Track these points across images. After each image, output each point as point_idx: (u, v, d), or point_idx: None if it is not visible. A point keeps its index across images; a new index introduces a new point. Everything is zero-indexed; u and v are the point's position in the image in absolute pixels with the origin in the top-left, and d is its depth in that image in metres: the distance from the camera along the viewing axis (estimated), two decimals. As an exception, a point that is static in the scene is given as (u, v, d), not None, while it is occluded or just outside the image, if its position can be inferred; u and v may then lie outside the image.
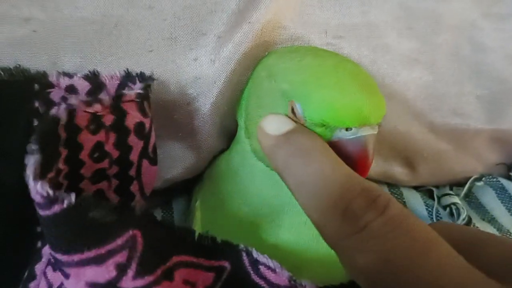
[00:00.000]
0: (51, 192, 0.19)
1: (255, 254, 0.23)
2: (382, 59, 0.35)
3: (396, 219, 0.18)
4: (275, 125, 0.24)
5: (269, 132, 0.24)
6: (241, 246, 0.23)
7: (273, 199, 0.30)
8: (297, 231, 0.30)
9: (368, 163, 0.24)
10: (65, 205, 0.19)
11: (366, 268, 0.18)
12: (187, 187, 0.38)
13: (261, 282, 0.23)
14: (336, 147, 0.24)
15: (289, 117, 0.25)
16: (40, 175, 0.20)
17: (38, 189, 0.19)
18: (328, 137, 0.24)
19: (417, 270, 0.17)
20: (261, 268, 0.23)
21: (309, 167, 0.22)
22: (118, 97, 0.26)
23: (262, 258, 0.23)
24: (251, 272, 0.23)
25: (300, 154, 0.22)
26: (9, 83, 0.27)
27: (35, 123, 0.27)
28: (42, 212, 0.20)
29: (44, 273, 0.26)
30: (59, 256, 0.21)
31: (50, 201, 0.19)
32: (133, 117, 0.27)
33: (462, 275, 0.17)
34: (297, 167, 0.22)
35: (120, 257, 0.21)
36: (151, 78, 0.28)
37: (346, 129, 0.24)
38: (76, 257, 0.20)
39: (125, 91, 0.27)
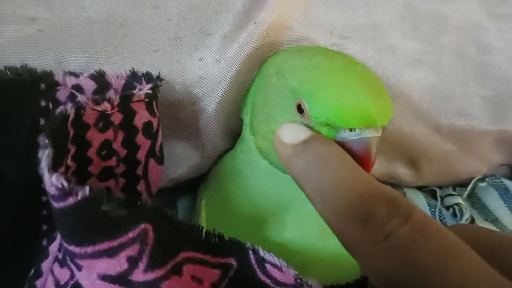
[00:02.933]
0: (66, 184, 0.19)
1: (261, 252, 0.23)
2: (387, 59, 0.35)
3: (421, 226, 0.18)
4: (291, 133, 0.24)
5: (286, 141, 0.24)
6: (248, 244, 0.24)
7: (277, 198, 0.30)
8: (302, 230, 0.30)
9: (370, 165, 0.24)
10: (79, 198, 0.19)
11: (391, 276, 0.18)
12: (192, 186, 0.38)
13: (267, 281, 0.23)
14: None
15: (296, 116, 0.25)
16: (53, 168, 0.20)
17: (53, 181, 0.19)
18: (332, 137, 0.24)
19: (445, 278, 0.17)
20: (268, 266, 0.23)
21: (329, 175, 0.21)
22: (127, 97, 0.26)
23: (268, 256, 0.23)
24: (257, 270, 0.23)
25: (318, 162, 0.22)
26: (15, 82, 0.28)
27: (41, 122, 0.27)
28: (56, 205, 0.20)
29: (51, 270, 0.26)
30: (72, 248, 0.21)
31: (64, 193, 0.19)
32: (142, 116, 0.27)
33: (490, 282, 0.17)
34: (316, 176, 0.22)
35: (132, 250, 0.21)
36: (159, 78, 0.29)
37: (350, 130, 0.24)
38: (89, 249, 0.20)
39: (135, 91, 0.27)
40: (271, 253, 0.23)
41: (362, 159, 0.24)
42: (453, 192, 0.42)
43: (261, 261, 0.23)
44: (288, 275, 0.23)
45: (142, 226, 0.21)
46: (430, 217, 0.19)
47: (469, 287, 0.16)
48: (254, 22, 0.30)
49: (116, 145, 0.27)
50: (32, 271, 0.27)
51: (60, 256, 0.26)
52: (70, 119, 0.23)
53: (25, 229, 0.28)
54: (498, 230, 0.39)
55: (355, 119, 0.23)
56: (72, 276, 0.25)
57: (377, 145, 0.24)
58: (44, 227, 0.28)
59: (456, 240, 0.18)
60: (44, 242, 0.28)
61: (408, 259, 0.17)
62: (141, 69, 0.29)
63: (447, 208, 0.41)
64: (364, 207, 0.19)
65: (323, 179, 0.21)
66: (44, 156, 0.20)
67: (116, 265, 0.21)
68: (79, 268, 0.21)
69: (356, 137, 0.24)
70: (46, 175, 0.20)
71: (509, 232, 0.39)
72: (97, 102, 0.25)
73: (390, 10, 0.34)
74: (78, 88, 0.28)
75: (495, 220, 0.41)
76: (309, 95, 0.24)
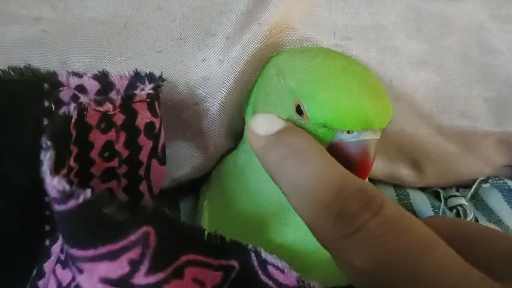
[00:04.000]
0: (67, 187, 0.19)
1: (263, 254, 0.23)
2: (390, 60, 0.35)
3: (392, 219, 0.18)
4: (264, 124, 0.24)
5: (259, 132, 0.24)
6: (250, 246, 0.23)
7: (279, 198, 0.30)
8: (304, 231, 0.30)
9: (367, 167, 0.24)
10: (81, 200, 0.19)
11: (362, 269, 0.18)
12: (194, 186, 0.38)
13: (270, 282, 0.23)
14: (336, 148, 0.24)
15: (294, 117, 0.25)
16: (55, 170, 0.20)
17: (54, 184, 0.19)
18: (330, 138, 0.24)
19: (415, 271, 0.17)
20: (270, 268, 0.23)
21: (302, 168, 0.21)
22: (129, 97, 0.26)
23: (270, 258, 0.23)
24: (260, 272, 0.23)
25: (292, 155, 0.22)
26: (19, 83, 0.28)
27: (45, 122, 0.27)
28: (58, 207, 0.20)
29: (54, 271, 0.26)
30: (73, 251, 0.21)
31: (66, 196, 0.19)
32: (144, 117, 0.27)
33: (462, 275, 0.17)
34: (290, 168, 0.21)
35: (133, 253, 0.21)
36: (161, 79, 0.29)
37: (348, 132, 0.24)
38: (90, 253, 0.20)
39: (136, 92, 0.27)
40: (274, 255, 0.23)
41: (359, 161, 0.24)
42: (457, 193, 0.42)
43: (263, 263, 0.23)
44: (290, 277, 0.23)
45: (144, 229, 0.21)
46: (402, 210, 0.19)
47: (440, 280, 0.16)
48: (258, 23, 0.30)
49: (119, 146, 0.27)
50: (35, 271, 0.27)
51: (62, 257, 0.26)
52: (73, 120, 0.24)
53: (27, 229, 0.28)
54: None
55: (352, 121, 0.23)
56: (74, 277, 0.25)
57: (376, 148, 0.24)
58: (47, 228, 0.28)
59: (427, 233, 0.18)
60: (47, 243, 0.28)
61: (378, 252, 0.18)
62: (145, 69, 0.29)
63: (451, 209, 0.41)
64: (337, 200, 0.19)
65: (296, 172, 0.21)
66: (46, 158, 0.20)
67: (117, 268, 0.21)
68: (80, 271, 0.21)
69: (353, 139, 0.24)
70: (47, 178, 0.20)
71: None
72: (99, 103, 0.25)
73: (394, 11, 0.34)
74: (81, 88, 0.28)
75: (498, 221, 0.41)
76: (307, 96, 0.24)
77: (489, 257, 0.18)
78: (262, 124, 0.24)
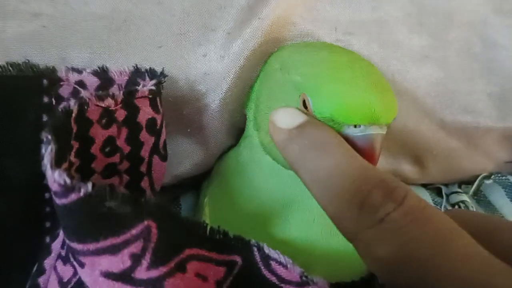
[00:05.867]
0: (68, 180, 0.19)
1: (266, 249, 0.23)
2: (392, 55, 0.34)
3: (415, 210, 0.18)
4: (286, 118, 0.24)
5: (281, 125, 0.24)
6: (253, 241, 0.23)
7: (281, 194, 0.30)
8: (306, 227, 0.30)
9: (374, 162, 0.24)
10: (82, 194, 0.19)
11: (386, 259, 0.18)
12: (195, 183, 0.38)
13: (272, 278, 0.23)
14: None
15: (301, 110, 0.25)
16: (56, 164, 0.20)
17: (55, 178, 0.19)
18: None
19: (438, 260, 0.17)
20: (273, 263, 0.23)
21: (324, 160, 0.21)
22: (131, 93, 0.26)
23: (273, 253, 0.23)
24: (262, 267, 0.23)
25: (314, 147, 0.22)
26: (18, 79, 0.27)
27: (44, 118, 0.27)
28: (58, 201, 0.20)
29: (54, 267, 0.26)
30: (74, 245, 0.21)
31: (67, 190, 0.19)
32: (146, 113, 0.27)
33: (484, 265, 0.17)
34: (312, 161, 0.22)
35: (135, 247, 0.21)
36: (163, 75, 0.28)
37: (355, 126, 0.24)
38: (91, 246, 0.20)
39: (138, 87, 0.27)
40: (276, 250, 0.23)
41: (365, 156, 0.23)
42: (459, 190, 0.42)
43: (266, 258, 0.23)
44: (293, 272, 0.22)
45: (146, 223, 0.21)
46: (424, 201, 0.19)
47: (463, 270, 0.16)
48: (258, 18, 0.30)
49: (120, 142, 0.26)
50: (35, 268, 0.27)
51: (63, 253, 0.26)
52: (74, 115, 0.23)
53: (28, 226, 0.28)
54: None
55: (359, 116, 0.23)
56: (75, 273, 0.25)
57: (382, 143, 0.24)
58: (47, 224, 0.28)
59: (450, 223, 0.18)
60: (47, 239, 0.28)
61: (402, 242, 0.18)
62: (145, 65, 0.29)
63: (453, 205, 0.41)
64: (359, 191, 0.19)
65: (319, 164, 0.21)
66: (47, 152, 0.20)
67: (119, 262, 0.21)
68: (82, 265, 0.21)
69: (360, 134, 0.24)
70: (48, 171, 0.20)
71: None
72: (100, 98, 0.25)
73: (396, 5, 0.34)
74: (81, 84, 0.28)
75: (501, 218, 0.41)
76: (313, 90, 0.24)
77: (508, 249, 0.19)
78: (283, 118, 0.24)
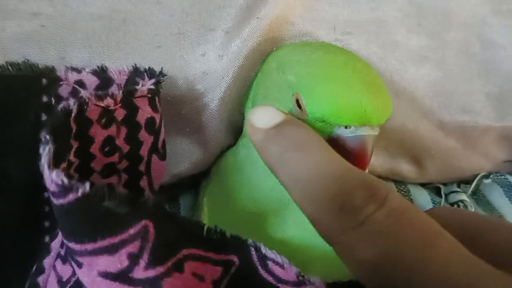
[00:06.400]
0: (66, 180, 0.19)
1: (263, 249, 0.23)
2: (391, 55, 0.34)
3: (397, 211, 0.18)
4: (264, 117, 0.23)
5: (259, 125, 0.23)
6: (250, 241, 0.23)
7: (278, 194, 0.30)
8: (303, 226, 0.30)
9: (365, 162, 0.24)
10: (79, 194, 0.19)
11: (368, 262, 0.18)
12: (194, 182, 0.38)
13: (269, 278, 0.23)
14: (334, 143, 0.24)
15: (294, 110, 0.25)
16: (54, 164, 0.20)
17: (53, 178, 0.19)
18: (328, 132, 0.24)
19: (422, 262, 0.17)
20: (269, 263, 0.23)
21: (303, 161, 0.21)
22: (130, 92, 0.26)
23: (270, 253, 0.23)
24: (259, 267, 0.23)
25: (292, 147, 0.21)
26: (17, 78, 0.28)
27: (43, 117, 0.27)
28: (56, 201, 0.20)
29: (54, 267, 0.26)
30: (72, 245, 0.21)
31: (65, 190, 0.19)
32: (145, 112, 0.27)
33: (469, 267, 0.16)
34: (290, 162, 0.21)
35: (133, 247, 0.21)
36: (162, 74, 0.28)
37: (346, 127, 0.24)
38: (89, 246, 0.20)
39: (137, 87, 0.27)
40: (273, 250, 0.23)
41: (357, 156, 0.23)
42: (458, 189, 0.42)
43: (263, 258, 0.23)
44: (290, 272, 0.22)
45: (143, 222, 0.21)
46: (406, 202, 0.18)
47: (447, 272, 0.16)
48: (257, 17, 0.30)
49: (119, 141, 0.27)
50: (34, 267, 0.27)
51: (62, 252, 0.26)
52: (73, 114, 0.23)
53: (27, 226, 0.28)
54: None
55: (349, 117, 0.23)
56: (75, 272, 0.25)
57: (374, 143, 0.24)
58: (47, 224, 0.28)
59: (433, 225, 0.18)
60: (46, 239, 0.28)
61: (384, 244, 0.17)
62: (144, 64, 0.29)
63: (452, 205, 0.41)
64: (340, 193, 0.19)
65: (298, 165, 0.21)
66: (45, 152, 0.20)
67: (116, 262, 0.21)
68: (80, 265, 0.21)
69: (350, 135, 0.24)
70: (46, 172, 0.20)
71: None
72: (100, 98, 0.25)
73: (395, 5, 0.34)
74: (80, 83, 0.28)
75: (499, 217, 0.41)
76: (306, 90, 0.24)
77: (494, 247, 0.18)
78: (261, 117, 0.23)
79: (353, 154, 0.23)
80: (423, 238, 0.17)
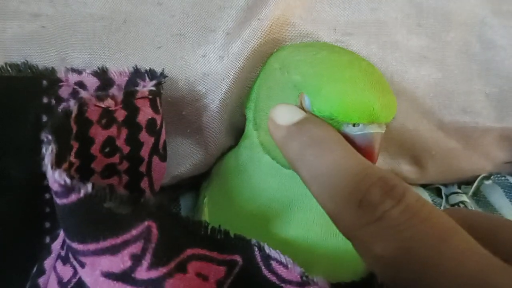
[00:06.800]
0: (68, 180, 0.19)
1: (267, 249, 0.23)
2: (391, 56, 0.34)
3: (414, 208, 0.18)
4: (286, 115, 0.24)
5: (280, 122, 0.24)
6: (253, 241, 0.23)
7: (281, 194, 0.30)
8: (306, 227, 0.30)
9: (373, 160, 0.24)
10: (82, 194, 0.19)
11: (384, 257, 0.18)
12: (194, 183, 0.38)
13: (273, 278, 0.23)
14: None
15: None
16: (56, 165, 0.20)
17: (56, 178, 0.19)
18: None
19: (436, 258, 0.17)
20: (273, 263, 0.23)
21: (323, 157, 0.21)
22: (131, 94, 0.26)
23: (274, 253, 0.23)
24: (263, 267, 0.23)
25: (313, 144, 0.22)
26: (17, 79, 0.28)
27: (44, 119, 0.27)
28: (59, 201, 0.20)
29: (54, 268, 0.26)
30: (75, 245, 0.21)
31: (67, 190, 0.19)
32: (145, 113, 0.27)
33: (482, 263, 0.17)
34: (311, 158, 0.22)
35: (135, 248, 0.21)
36: (163, 75, 0.29)
37: (354, 125, 0.24)
38: (92, 246, 0.20)
39: (138, 88, 0.27)
40: (277, 250, 0.23)
41: (365, 154, 0.23)
42: (458, 190, 0.42)
43: (267, 258, 0.23)
44: (293, 272, 0.22)
45: (146, 223, 0.21)
46: (423, 199, 0.19)
47: (461, 268, 0.16)
48: (258, 19, 0.30)
49: (120, 142, 0.26)
50: (35, 268, 0.27)
51: (63, 253, 0.26)
52: (73, 115, 0.23)
53: (27, 226, 0.28)
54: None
55: (358, 114, 0.23)
56: (75, 273, 0.25)
57: (381, 142, 0.24)
58: (47, 225, 0.28)
59: (449, 222, 0.18)
60: (47, 240, 0.28)
61: (401, 240, 0.18)
62: (144, 65, 0.29)
63: (452, 206, 0.41)
64: (358, 188, 0.19)
65: (317, 161, 0.21)
66: (48, 152, 0.20)
67: (119, 262, 0.21)
68: (82, 265, 0.21)
69: (359, 132, 0.24)
70: (49, 172, 0.20)
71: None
72: (100, 99, 0.25)
73: (395, 6, 0.34)
74: (80, 84, 0.28)
75: (500, 218, 0.41)
76: (312, 89, 0.24)
77: (507, 246, 0.19)
78: (283, 115, 0.24)
79: (361, 152, 0.23)
80: (438, 235, 0.17)
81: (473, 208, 0.40)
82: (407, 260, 0.17)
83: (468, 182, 0.43)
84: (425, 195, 0.42)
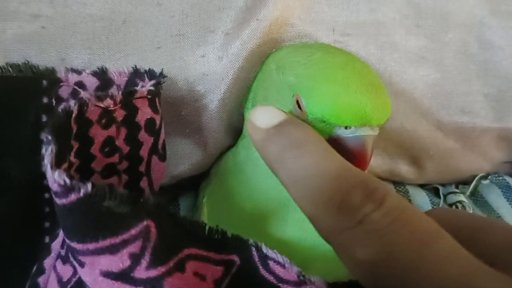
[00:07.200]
0: (68, 180, 0.19)
1: (264, 249, 0.23)
2: (390, 56, 0.35)
3: (395, 211, 0.18)
4: (265, 117, 0.23)
5: (259, 125, 0.23)
6: (251, 241, 0.23)
7: (278, 194, 0.30)
8: (303, 227, 0.30)
9: (365, 163, 0.24)
10: (81, 194, 0.19)
11: (365, 262, 0.17)
12: (194, 183, 0.38)
13: (270, 277, 0.23)
14: (334, 143, 0.24)
15: (294, 111, 0.25)
16: (56, 165, 0.20)
17: (55, 178, 0.19)
18: (328, 133, 0.24)
19: (418, 262, 0.16)
20: (270, 263, 0.23)
21: (303, 160, 0.20)
22: (130, 93, 0.26)
23: (271, 253, 0.23)
24: (260, 267, 0.23)
25: (292, 146, 0.21)
26: (17, 79, 0.28)
27: (44, 118, 0.28)
28: (58, 201, 0.20)
29: (54, 267, 0.26)
30: (74, 244, 0.21)
31: (67, 190, 0.19)
32: (144, 113, 0.27)
33: (466, 266, 0.16)
34: (290, 161, 0.21)
35: (134, 247, 0.21)
36: (162, 75, 0.29)
37: (346, 127, 0.24)
38: (91, 246, 0.20)
39: (137, 88, 0.27)
40: (274, 250, 0.23)
41: (357, 157, 0.24)
42: (456, 190, 0.42)
43: (264, 258, 0.23)
44: (291, 272, 0.22)
45: (145, 223, 0.21)
46: (405, 202, 0.18)
47: (444, 272, 0.16)
48: (257, 19, 0.30)
49: (119, 142, 0.27)
50: (35, 268, 0.27)
51: (62, 253, 0.26)
52: (73, 115, 0.24)
53: (27, 226, 0.28)
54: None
55: (349, 117, 0.23)
56: (75, 273, 0.25)
57: (373, 144, 0.24)
58: (47, 224, 0.28)
59: (431, 225, 0.18)
60: (47, 239, 0.28)
61: (382, 244, 0.17)
62: (144, 66, 0.29)
63: (450, 205, 0.41)
64: (338, 192, 0.19)
65: (297, 164, 0.21)
66: (47, 152, 0.20)
67: (118, 261, 0.21)
68: (82, 264, 0.21)
69: (351, 135, 0.24)
70: (49, 172, 0.20)
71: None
72: (99, 99, 0.25)
73: (393, 7, 0.34)
74: (80, 85, 0.28)
75: (498, 218, 0.41)
76: (306, 91, 0.24)
77: (492, 248, 0.18)
78: (262, 116, 0.23)
79: (353, 155, 0.23)
80: (420, 238, 0.17)
81: (471, 208, 0.40)
82: (388, 265, 0.17)
83: (466, 182, 0.44)
84: (423, 195, 0.42)
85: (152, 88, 0.27)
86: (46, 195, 0.28)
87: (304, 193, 0.20)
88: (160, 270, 0.21)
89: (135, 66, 0.29)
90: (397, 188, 0.42)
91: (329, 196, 0.19)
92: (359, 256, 0.18)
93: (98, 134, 0.25)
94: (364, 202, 0.18)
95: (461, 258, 0.17)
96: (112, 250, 0.20)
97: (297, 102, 0.25)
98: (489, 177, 0.43)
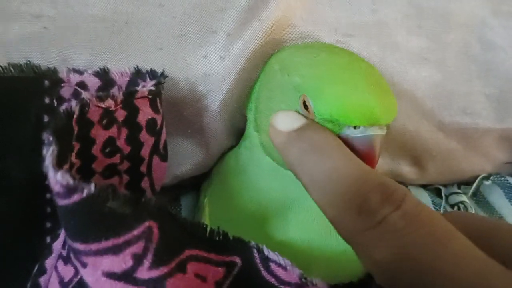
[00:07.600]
0: (71, 181, 0.19)
1: (266, 251, 0.23)
2: (391, 57, 0.35)
3: (413, 213, 0.18)
4: (286, 121, 0.24)
5: (281, 128, 0.24)
6: (252, 243, 0.23)
7: (281, 195, 0.30)
8: (305, 228, 0.30)
9: (373, 162, 0.24)
10: (84, 195, 0.20)
11: (384, 262, 0.18)
12: (195, 183, 0.38)
13: (272, 279, 0.23)
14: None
15: (300, 112, 0.25)
16: (57, 165, 0.20)
17: (58, 179, 0.19)
18: (336, 133, 0.24)
19: (435, 263, 0.17)
20: (272, 265, 0.23)
21: (323, 163, 0.21)
22: (130, 94, 0.26)
23: (273, 255, 0.23)
24: (262, 269, 0.23)
25: (313, 150, 0.22)
26: (19, 79, 0.28)
27: (45, 119, 0.27)
28: (61, 202, 0.20)
29: (55, 268, 0.26)
30: (77, 245, 0.21)
31: (69, 191, 0.20)
32: (145, 113, 0.27)
33: (481, 266, 0.17)
34: (311, 164, 0.22)
35: (137, 248, 0.21)
36: (163, 75, 0.29)
37: (354, 127, 0.24)
38: (93, 246, 0.20)
39: (138, 88, 0.27)
40: (276, 252, 0.23)
41: (365, 156, 0.23)
42: (458, 190, 0.42)
43: (266, 260, 0.23)
44: (292, 274, 0.23)
45: (147, 223, 0.21)
46: (422, 204, 0.19)
47: (460, 272, 0.17)
48: (259, 20, 0.30)
49: (120, 142, 0.27)
50: (36, 268, 0.27)
51: (64, 253, 0.26)
52: (75, 116, 0.23)
53: (28, 226, 0.28)
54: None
55: (358, 117, 0.23)
56: (76, 273, 0.25)
57: (381, 144, 0.24)
58: (48, 225, 0.28)
59: (447, 226, 0.18)
60: (48, 240, 0.28)
61: (400, 244, 0.18)
62: (146, 66, 0.29)
63: (452, 206, 0.41)
64: (358, 194, 0.20)
65: (318, 167, 0.22)
66: (49, 153, 0.20)
67: (120, 262, 0.21)
68: (84, 265, 0.21)
69: (359, 135, 0.24)
70: (51, 173, 0.20)
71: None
72: (100, 99, 0.25)
73: (395, 7, 0.34)
74: (82, 85, 0.28)
75: (500, 219, 0.41)
76: (313, 91, 0.24)
77: (506, 250, 0.19)
78: (283, 121, 0.24)
79: (362, 154, 0.23)
80: (437, 239, 0.18)
81: (473, 209, 0.40)
82: (406, 264, 0.18)
83: (468, 183, 0.43)
84: (425, 196, 0.42)
85: (153, 88, 0.27)
86: (47, 195, 0.28)
87: (324, 196, 0.21)
88: (162, 270, 0.21)
89: (137, 67, 0.29)
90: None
91: (349, 198, 0.20)
92: (378, 256, 0.18)
93: (99, 135, 0.25)
94: (383, 204, 0.19)
95: (477, 259, 0.17)
96: (115, 250, 0.21)
97: (304, 103, 0.25)
98: (491, 177, 0.43)
